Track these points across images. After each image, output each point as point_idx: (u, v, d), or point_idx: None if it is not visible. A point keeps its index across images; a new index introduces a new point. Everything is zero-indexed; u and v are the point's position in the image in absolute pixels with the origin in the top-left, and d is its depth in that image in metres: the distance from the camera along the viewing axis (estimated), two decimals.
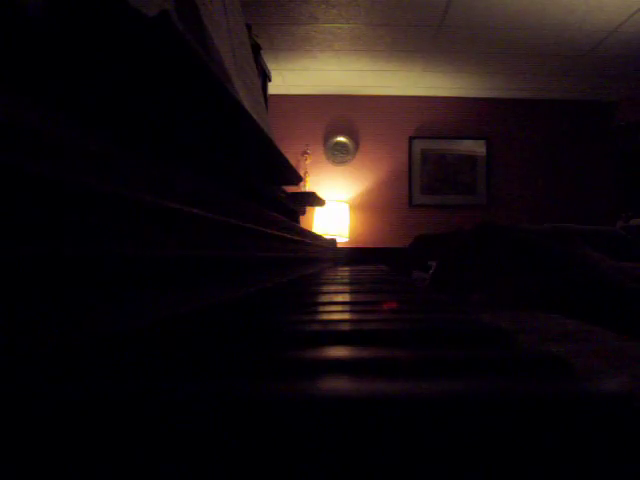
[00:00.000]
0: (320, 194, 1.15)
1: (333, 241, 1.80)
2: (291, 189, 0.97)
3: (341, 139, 3.74)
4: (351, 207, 3.70)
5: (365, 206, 3.75)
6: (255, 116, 0.51)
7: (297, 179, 0.77)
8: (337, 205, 3.54)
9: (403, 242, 3.57)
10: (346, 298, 0.51)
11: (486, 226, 0.48)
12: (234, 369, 0.19)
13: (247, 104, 0.63)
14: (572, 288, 0.42)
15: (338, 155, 3.75)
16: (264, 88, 2.46)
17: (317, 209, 3.47)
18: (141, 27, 0.25)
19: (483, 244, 0.47)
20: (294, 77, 3.46)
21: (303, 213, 1.13)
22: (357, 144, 3.77)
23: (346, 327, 0.28)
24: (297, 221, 1.09)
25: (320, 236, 1.36)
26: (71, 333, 0.16)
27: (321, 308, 0.42)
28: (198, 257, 0.29)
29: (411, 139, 3.77)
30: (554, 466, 0.12)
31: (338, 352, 0.21)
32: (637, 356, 0.23)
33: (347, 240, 3.53)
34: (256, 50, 2.16)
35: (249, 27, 1.51)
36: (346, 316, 0.36)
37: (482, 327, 0.28)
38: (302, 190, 3.19)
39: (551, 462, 0.12)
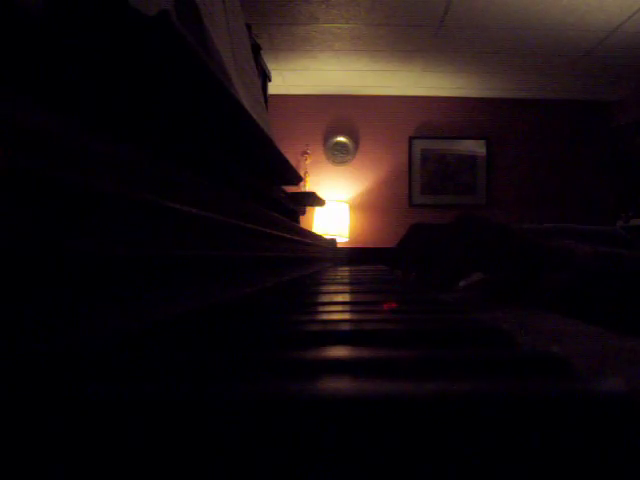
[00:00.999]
0: (320, 194, 1.15)
1: (333, 241, 1.80)
2: (291, 189, 0.97)
3: (341, 139, 3.74)
4: (351, 207, 3.70)
5: (365, 206, 3.75)
6: (255, 116, 0.51)
7: (297, 179, 0.78)
8: (337, 205, 3.54)
9: None
10: (346, 298, 0.51)
11: (464, 218, 0.48)
12: (234, 369, 0.19)
13: (247, 104, 0.63)
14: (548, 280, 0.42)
15: (338, 155, 3.75)
16: (264, 88, 2.46)
17: (317, 209, 3.47)
18: (141, 27, 0.25)
19: (461, 236, 0.47)
20: (294, 77, 3.46)
21: (303, 213, 1.13)
22: (357, 144, 3.77)
23: (346, 327, 0.28)
24: (297, 221, 1.09)
25: (320, 236, 1.36)
26: (70, 333, 0.16)
27: (321, 308, 0.42)
28: (198, 257, 0.29)
29: (411, 139, 3.77)
30: (554, 465, 0.12)
31: (339, 352, 0.21)
32: (637, 356, 0.23)
33: (347, 240, 3.53)
34: (256, 50, 2.16)
35: (249, 27, 1.51)
36: (346, 316, 0.36)
37: (482, 327, 0.28)
38: (302, 190, 3.19)
39: (551, 461, 0.12)
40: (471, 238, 0.47)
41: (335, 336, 0.26)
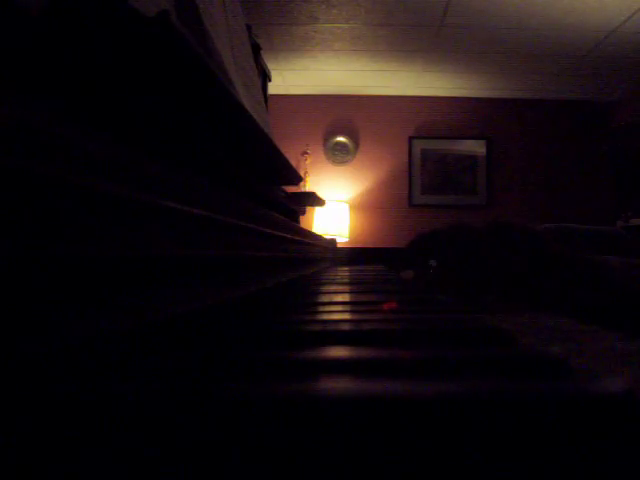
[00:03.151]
0: (320, 194, 1.15)
1: (333, 241, 1.80)
2: (291, 189, 0.97)
3: (341, 139, 3.74)
4: (351, 207, 3.70)
5: (365, 206, 3.75)
6: (255, 116, 0.51)
7: (297, 179, 0.77)
8: (337, 205, 3.54)
9: (403, 242, 3.57)
10: (346, 298, 0.50)
11: (502, 226, 0.48)
12: (235, 369, 0.19)
13: (247, 104, 0.63)
14: (585, 293, 0.41)
15: (338, 155, 3.75)
16: (264, 88, 2.46)
17: (317, 209, 3.47)
18: (140, 27, 0.24)
19: (498, 244, 0.47)
20: (294, 77, 3.46)
21: (303, 213, 1.13)
22: (357, 144, 3.77)
23: (346, 327, 0.28)
24: (297, 221, 1.09)
25: (320, 236, 1.36)
26: (71, 332, 0.16)
27: (321, 308, 0.42)
28: (198, 257, 0.29)
29: (411, 139, 3.76)
30: (553, 464, 0.12)
31: (339, 352, 0.21)
32: (637, 356, 0.23)
33: (347, 240, 3.53)
34: (256, 50, 2.16)
35: (249, 27, 1.50)
36: (346, 316, 0.36)
37: (483, 327, 0.28)
38: (302, 190, 3.19)
39: (550, 460, 0.12)
40: (508, 250, 0.46)
41: (335, 336, 0.26)
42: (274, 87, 3.28)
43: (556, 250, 0.40)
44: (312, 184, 3.65)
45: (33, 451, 0.12)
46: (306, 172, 3.64)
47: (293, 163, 0.80)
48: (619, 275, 0.38)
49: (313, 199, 1.07)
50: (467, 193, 3.77)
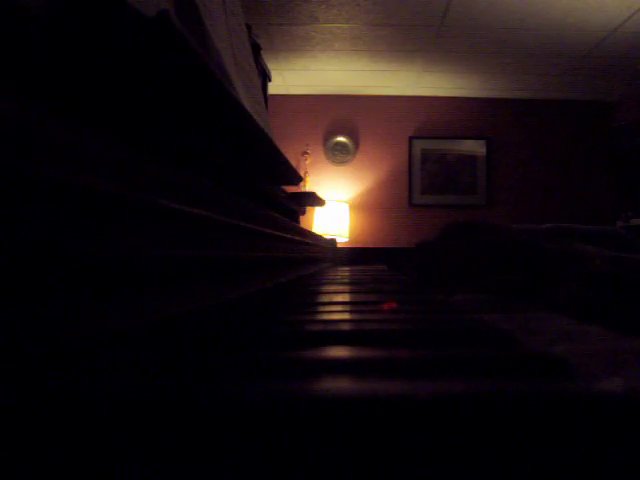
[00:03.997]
0: (320, 194, 1.16)
1: (333, 241, 1.80)
2: (291, 189, 0.97)
3: (341, 139, 3.74)
4: (351, 207, 3.70)
5: (365, 206, 3.75)
6: (255, 116, 0.51)
7: (297, 179, 0.78)
8: (337, 205, 3.54)
9: (403, 242, 3.57)
10: (346, 298, 0.51)
11: (461, 224, 0.49)
12: (235, 370, 0.19)
13: (247, 104, 0.63)
14: (560, 284, 0.42)
15: (338, 155, 3.75)
16: (264, 88, 2.46)
17: (317, 209, 3.47)
18: (140, 27, 0.24)
19: (461, 242, 0.48)
20: (294, 77, 3.46)
21: (303, 213, 1.13)
22: (357, 144, 3.77)
23: (347, 327, 0.28)
24: (297, 221, 1.09)
25: (320, 236, 1.36)
26: (70, 331, 0.16)
27: (321, 308, 0.42)
28: (197, 257, 0.29)
29: (411, 139, 3.76)
30: (553, 465, 0.12)
31: (340, 352, 0.21)
32: (637, 356, 0.23)
33: (347, 240, 3.53)
34: (256, 50, 2.16)
35: (249, 27, 1.50)
36: (346, 316, 0.36)
37: (483, 327, 0.28)
38: (302, 190, 3.19)
39: (550, 461, 0.12)
40: (473, 244, 0.47)
41: (336, 336, 0.26)
42: (274, 87, 3.28)
43: (528, 245, 0.40)
44: (312, 184, 3.65)
45: (31, 450, 0.12)
46: (306, 172, 3.64)
47: (293, 163, 0.80)
48: (599, 266, 0.38)
49: (313, 199, 1.07)
50: (467, 193, 3.77)
